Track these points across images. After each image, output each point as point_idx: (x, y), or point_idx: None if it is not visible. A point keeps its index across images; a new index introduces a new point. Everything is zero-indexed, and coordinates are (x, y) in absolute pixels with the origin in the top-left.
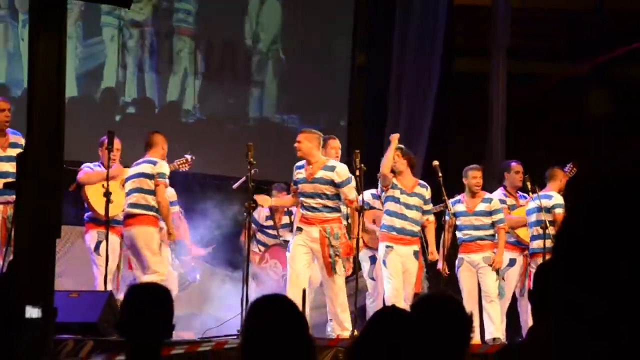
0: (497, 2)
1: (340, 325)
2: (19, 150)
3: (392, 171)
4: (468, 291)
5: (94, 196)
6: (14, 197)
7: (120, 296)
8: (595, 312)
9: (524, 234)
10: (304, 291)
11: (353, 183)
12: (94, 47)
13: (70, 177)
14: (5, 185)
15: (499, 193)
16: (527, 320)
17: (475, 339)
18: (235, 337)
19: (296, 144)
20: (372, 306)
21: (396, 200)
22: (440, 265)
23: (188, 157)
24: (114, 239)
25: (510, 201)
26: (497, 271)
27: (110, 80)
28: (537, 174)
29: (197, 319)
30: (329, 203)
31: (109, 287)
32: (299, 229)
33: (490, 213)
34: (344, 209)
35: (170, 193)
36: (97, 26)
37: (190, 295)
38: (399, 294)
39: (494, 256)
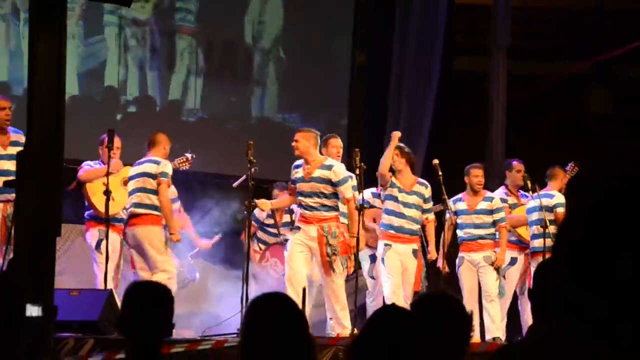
0: (498, 2)
1: (339, 323)
2: (19, 149)
3: (391, 170)
4: (468, 290)
5: (95, 194)
6: (14, 195)
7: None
8: (595, 312)
9: (524, 232)
10: (304, 290)
11: (350, 182)
12: (95, 45)
13: (71, 176)
14: (5, 183)
15: (500, 192)
16: (527, 319)
17: (475, 337)
18: (235, 335)
19: (294, 143)
20: (372, 305)
21: (394, 198)
22: (440, 264)
23: (188, 155)
24: (114, 237)
25: (511, 200)
26: (498, 270)
27: (111, 78)
28: (537, 174)
29: (197, 318)
30: (327, 202)
31: (110, 286)
32: (297, 228)
33: (491, 212)
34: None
35: (171, 191)
36: (99, 25)
37: (190, 293)
38: (397, 292)
39: (497, 254)
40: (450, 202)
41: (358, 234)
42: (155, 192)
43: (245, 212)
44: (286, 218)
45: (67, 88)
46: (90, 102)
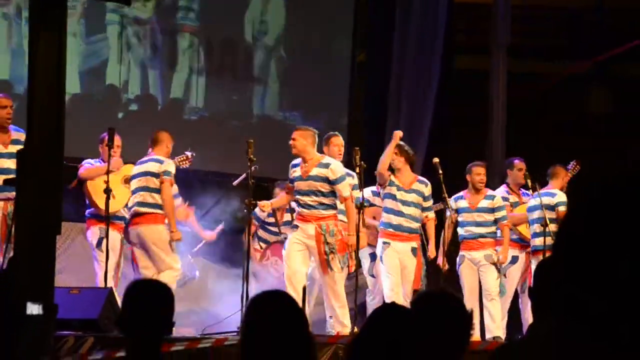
0: (498, 0)
1: (339, 322)
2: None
3: (391, 168)
4: (469, 289)
5: (96, 192)
6: (14, 193)
7: (120, 292)
8: (595, 311)
9: (525, 231)
10: (304, 289)
11: (348, 180)
12: (97, 44)
13: (72, 174)
14: (5, 181)
15: (501, 190)
16: (528, 317)
17: (475, 336)
18: (235, 333)
19: (291, 142)
20: (372, 303)
21: (393, 197)
22: (440, 261)
23: (188, 154)
24: (114, 235)
25: (513, 198)
26: (499, 269)
27: (113, 77)
28: (537, 173)
29: (197, 316)
30: (325, 200)
31: (110, 284)
32: (295, 227)
33: (492, 210)
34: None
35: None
36: (101, 23)
37: (190, 292)
38: (396, 290)
39: (500, 252)
40: (451, 200)
41: (359, 231)
42: (158, 190)
43: (245, 211)
44: (287, 217)
45: (68, 86)
46: (92, 101)
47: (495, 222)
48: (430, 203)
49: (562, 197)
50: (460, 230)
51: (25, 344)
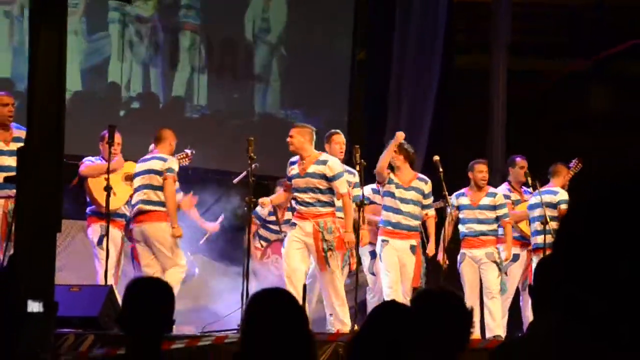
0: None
1: (338, 320)
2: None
3: (390, 166)
4: (470, 287)
5: (97, 189)
6: (14, 191)
7: (120, 290)
8: (595, 311)
9: (526, 228)
10: (304, 287)
11: (345, 177)
12: (99, 42)
13: (72, 171)
14: (6, 179)
15: (503, 188)
16: (529, 315)
17: (475, 334)
18: (235, 331)
19: (288, 139)
20: (373, 301)
21: (392, 195)
22: (440, 257)
23: (188, 151)
24: (115, 232)
25: (514, 196)
26: (500, 267)
27: (115, 75)
28: (537, 171)
29: (197, 314)
30: (323, 197)
31: (110, 281)
32: (293, 224)
33: (494, 207)
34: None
35: None
36: (103, 21)
37: (190, 289)
38: (395, 287)
39: (503, 250)
40: (452, 196)
41: (359, 229)
42: (162, 188)
43: (245, 209)
44: (288, 215)
45: (70, 84)
46: (94, 99)
47: (497, 219)
48: (430, 200)
49: (563, 195)
50: (461, 228)
51: (26, 341)
